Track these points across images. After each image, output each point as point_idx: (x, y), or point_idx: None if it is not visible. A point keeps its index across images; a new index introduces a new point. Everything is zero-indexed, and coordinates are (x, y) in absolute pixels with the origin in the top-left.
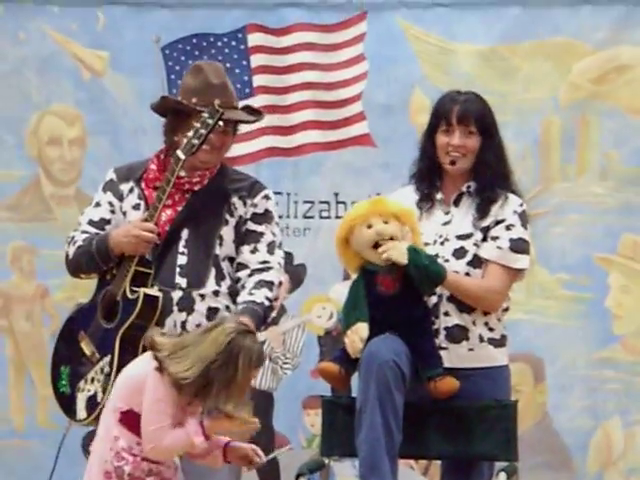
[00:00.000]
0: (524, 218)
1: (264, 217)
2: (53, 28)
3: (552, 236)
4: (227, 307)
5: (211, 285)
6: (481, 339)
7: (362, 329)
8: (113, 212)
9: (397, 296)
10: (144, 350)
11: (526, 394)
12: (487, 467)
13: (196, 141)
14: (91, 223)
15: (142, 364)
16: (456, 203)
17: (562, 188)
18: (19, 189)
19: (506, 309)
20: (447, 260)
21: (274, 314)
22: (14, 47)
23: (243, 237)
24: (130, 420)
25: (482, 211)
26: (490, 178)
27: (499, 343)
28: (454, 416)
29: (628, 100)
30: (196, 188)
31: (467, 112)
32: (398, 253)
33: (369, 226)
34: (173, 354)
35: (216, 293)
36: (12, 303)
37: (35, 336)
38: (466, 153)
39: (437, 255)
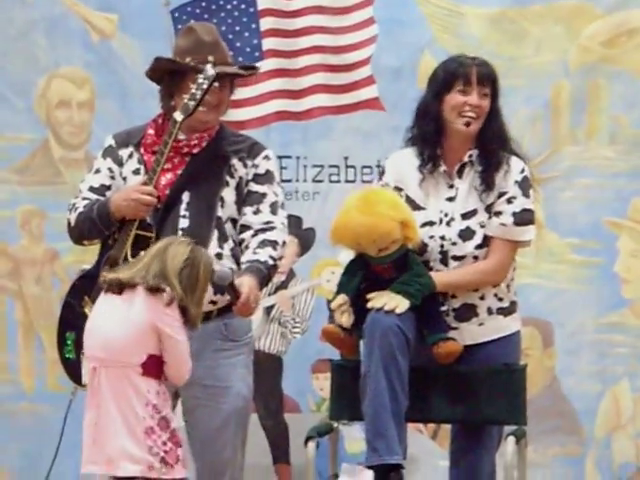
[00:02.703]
0: (525, 185)
1: (265, 177)
2: None
3: (561, 200)
4: (231, 269)
5: (214, 247)
6: (490, 312)
7: (338, 299)
8: (113, 178)
9: (395, 278)
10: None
11: (535, 358)
12: (496, 431)
13: (192, 103)
14: (91, 189)
15: (129, 313)
16: (460, 174)
17: (572, 152)
18: (28, 152)
19: (513, 273)
20: (454, 243)
21: (283, 278)
22: (21, 10)
23: (245, 198)
24: (151, 367)
25: (485, 182)
26: (495, 143)
27: (509, 311)
28: (462, 380)
29: (638, 64)
30: (195, 151)
31: (485, 73)
32: (395, 303)
33: (359, 244)
34: (154, 277)
35: (219, 256)
36: (22, 266)
37: (45, 300)
38: (480, 115)
39: (443, 237)
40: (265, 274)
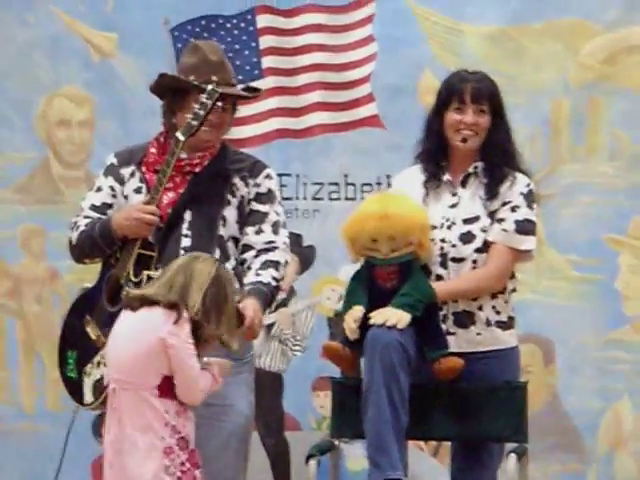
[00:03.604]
0: (530, 198)
1: (267, 197)
2: (61, 9)
3: (562, 217)
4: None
5: None
6: (488, 323)
7: (355, 311)
8: (115, 196)
9: (397, 289)
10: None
11: (536, 375)
12: (497, 448)
13: (195, 122)
14: (93, 208)
15: (142, 332)
16: (463, 184)
17: (572, 169)
18: (28, 171)
19: (513, 290)
20: (454, 245)
21: (284, 295)
22: (22, 29)
23: (247, 218)
24: (168, 388)
25: (490, 192)
26: (499, 158)
27: (507, 325)
28: (463, 397)
29: (637, 81)
30: (197, 170)
31: (480, 91)
32: (397, 318)
33: (374, 240)
34: (175, 294)
35: None
36: (22, 285)
37: (45, 318)
38: (478, 131)
39: (443, 240)
40: (268, 296)
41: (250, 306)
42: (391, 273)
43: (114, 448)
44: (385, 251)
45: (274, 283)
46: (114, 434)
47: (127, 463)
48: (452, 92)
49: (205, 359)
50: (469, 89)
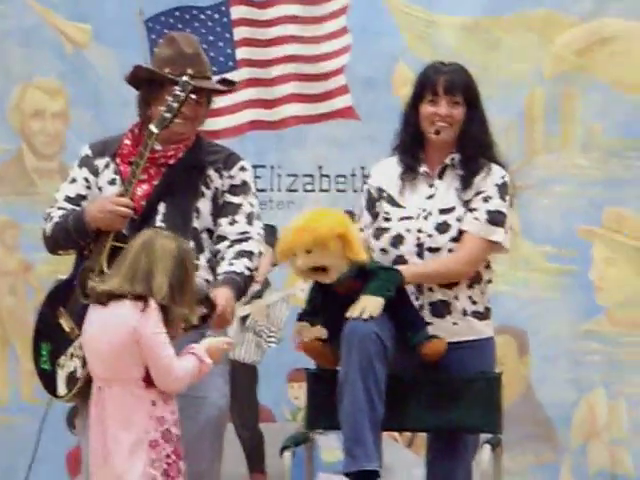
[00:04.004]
0: (504, 190)
1: (241, 188)
2: (35, 0)
3: (536, 209)
4: (207, 280)
5: None
6: (464, 313)
7: (318, 331)
8: (89, 188)
9: (359, 293)
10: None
11: (510, 366)
12: (472, 439)
13: (168, 115)
14: (67, 199)
15: (114, 327)
16: (440, 176)
17: (546, 161)
18: (1, 163)
19: (489, 281)
20: (430, 235)
21: (258, 287)
22: None
23: (221, 209)
24: (151, 377)
25: (465, 183)
26: (474, 149)
27: (483, 316)
28: (438, 388)
29: (611, 73)
30: (171, 162)
31: (453, 82)
32: (373, 306)
33: (294, 255)
34: (140, 282)
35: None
36: None
37: (19, 310)
38: (452, 123)
39: (420, 230)
40: (241, 285)
41: (222, 295)
42: (350, 286)
43: (99, 447)
44: (301, 265)
45: (247, 273)
46: (98, 433)
47: (113, 461)
48: (425, 84)
49: (191, 345)
50: (442, 81)
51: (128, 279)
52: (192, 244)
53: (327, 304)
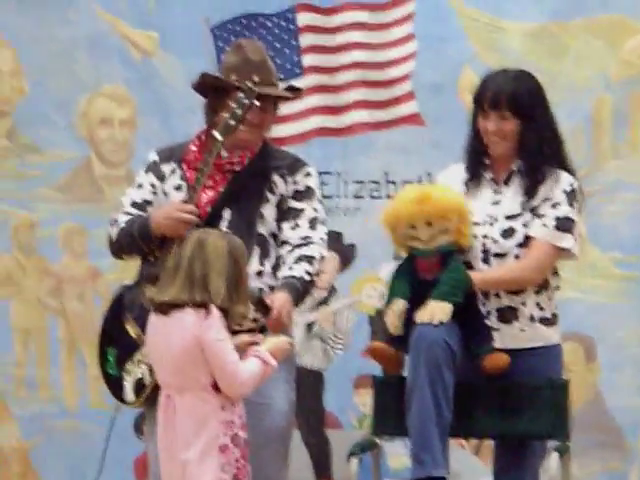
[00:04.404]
0: (573, 197)
1: (305, 194)
2: (103, 8)
3: (604, 214)
4: (271, 287)
5: (255, 265)
6: (532, 319)
7: (397, 305)
8: (155, 193)
9: (438, 280)
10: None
11: (578, 373)
12: (540, 446)
13: (232, 122)
14: (133, 205)
15: (180, 336)
16: (506, 182)
17: (614, 166)
18: (70, 170)
19: (557, 287)
20: (496, 241)
21: (324, 294)
22: (64, 28)
23: (284, 215)
24: None
25: (530, 193)
26: (533, 159)
27: (551, 322)
28: (506, 395)
29: None
30: (237, 168)
31: (498, 97)
32: (442, 312)
33: (413, 227)
34: (198, 288)
35: (259, 274)
36: (64, 284)
37: (87, 317)
38: (504, 137)
39: (486, 236)
40: (300, 289)
41: (278, 298)
42: (432, 264)
43: (170, 454)
44: (424, 237)
45: (307, 277)
46: (168, 439)
47: (185, 466)
48: (475, 99)
49: (255, 347)
50: (488, 96)
51: (186, 288)
52: (257, 250)
53: (412, 284)
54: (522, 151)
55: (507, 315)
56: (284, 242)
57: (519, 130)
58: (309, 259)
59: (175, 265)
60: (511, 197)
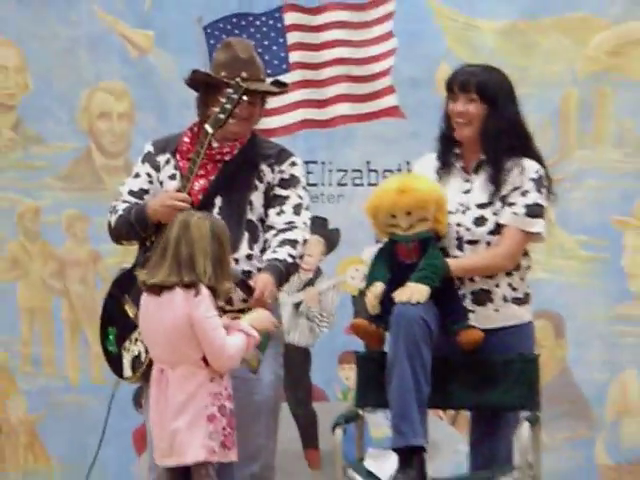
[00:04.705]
0: (540, 183)
1: (290, 182)
2: (102, 9)
3: (571, 200)
4: (260, 270)
5: (244, 249)
6: (505, 299)
7: (376, 287)
8: (151, 182)
9: (417, 265)
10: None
11: (547, 349)
12: (512, 417)
13: (222, 115)
14: (131, 193)
15: (170, 314)
16: (476, 171)
17: (580, 155)
18: (71, 161)
19: (528, 267)
20: (469, 229)
21: (310, 275)
22: (66, 27)
23: (271, 201)
24: None
25: (497, 182)
26: (495, 148)
27: (523, 301)
28: (480, 369)
29: None
30: (227, 158)
31: (468, 81)
32: (419, 293)
33: (393, 216)
34: (185, 269)
35: (249, 257)
36: (67, 267)
37: (88, 298)
38: (470, 119)
39: (459, 224)
40: (282, 271)
41: (261, 280)
42: (411, 249)
43: (163, 422)
44: (404, 226)
45: (290, 260)
46: (164, 411)
47: (176, 435)
48: (447, 84)
49: (236, 321)
50: (458, 80)
51: (174, 270)
52: (247, 235)
53: (391, 267)
54: (483, 137)
55: (481, 297)
56: (270, 227)
57: (484, 115)
58: (292, 243)
59: (163, 248)
60: (480, 186)
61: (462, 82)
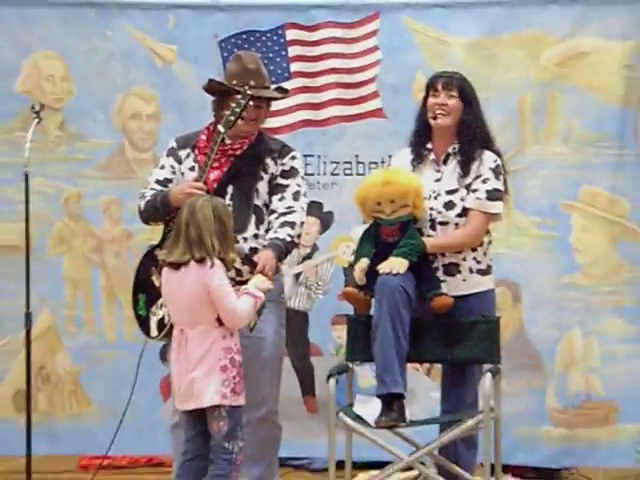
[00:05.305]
0: (498, 171)
1: (290, 173)
2: (133, 27)
3: (526, 187)
4: (264, 247)
5: (252, 230)
6: (471, 271)
7: (362, 263)
8: (174, 173)
9: (397, 242)
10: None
11: (506, 312)
12: (477, 368)
13: (232, 118)
14: (157, 182)
15: (190, 284)
16: (445, 162)
17: (534, 149)
18: (108, 154)
19: (490, 242)
20: (440, 212)
21: (308, 251)
22: (103, 43)
23: (273, 189)
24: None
25: (464, 169)
26: (469, 137)
27: (486, 272)
28: (450, 329)
29: (586, 80)
30: (238, 153)
31: (450, 80)
32: (399, 265)
33: (379, 203)
34: (196, 247)
35: (256, 236)
36: (104, 244)
37: (122, 270)
38: (449, 111)
39: (432, 208)
40: (282, 248)
41: (263, 255)
42: (393, 231)
43: (183, 373)
44: (388, 212)
45: (289, 239)
46: (184, 364)
47: (193, 382)
48: (430, 84)
49: (244, 286)
50: (441, 80)
51: (187, 249)
52: (254, 217)
53: (376, 245)
54: (460, 129)
55: (451, 269)
56: (272, 211)
57: (460, 111)
58: (291, 224)
59: (177, 231)
60: (449, 175)
61: (445, 81)
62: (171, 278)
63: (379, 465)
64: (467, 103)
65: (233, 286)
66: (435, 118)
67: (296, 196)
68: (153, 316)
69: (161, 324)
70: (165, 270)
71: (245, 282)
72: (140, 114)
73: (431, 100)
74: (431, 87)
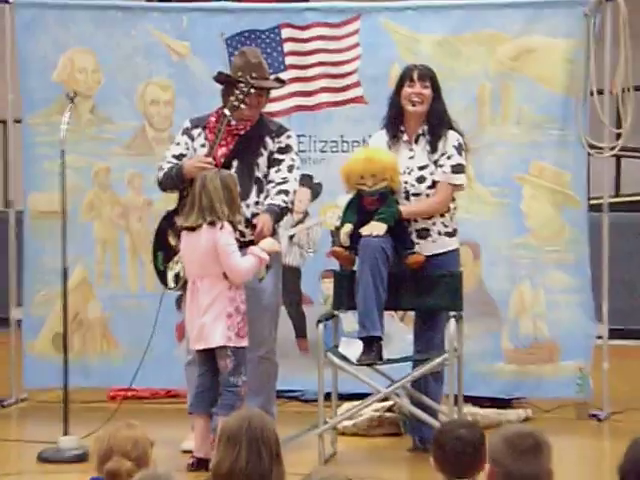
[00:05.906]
0: (460, 148)
1: (286, 149)
2: (154, 27)
3: (485, 162)
4: (257, 213)
5: (253, 198)
6: (439, 233)
7: (346, 227)
8: (187, 149)
9: (377, 210)
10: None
11: (468, 267)
12: (443, 315)
13: (236, 103)
14: (173, 156)
15: (203, 243)
16: (416, 141)
17: (492, 130)
18: (132, 134)
19: (455, 208)
20: (413, 185)
21: (300, 216)
22: (128, 40)
23: (271, 163)
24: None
25: (433, 146)
26: (438, 120)
27: (452, 234)
28: (422, 282)
29: (535, 72)
30: (242, 133)
31: (424, 72)
32: (379, 229)
33: (362, 177)
34: (207, 213)
35: (257, 203)
36: (129, 210)
37: (143, 232)
38: (424, 100)
39: (406, 182)
40: (278, 212)
41: (261, 218)
42: (374, 200)
43: (195, 318)
44: (369, 184)
45: (283, 205)
46: (196, 310)
47: (204, 327)
48: (406, 74)
49: (252, 247)
50: (417, 72)
51: (200, 215)
52: (255, 187)
53: (359, 213)
54: (431, 114)
55: (423, 233)
56: (270, 181)
57: (432, 99)
58: (286, 192)
59: (191, 199)
60: (420, 153)
61: (421, 73)
62: (188, 239)
63: (361, 396)
64: (436, 92)
65: (239, 247)
66: (414, 105)
67: (290, 169)
68: (170, 270)
69: (177, 277)
70: (183, 233)
71: (249, 242)
72: (158, 100)
73: (407, 90)
74: (407, 78)
